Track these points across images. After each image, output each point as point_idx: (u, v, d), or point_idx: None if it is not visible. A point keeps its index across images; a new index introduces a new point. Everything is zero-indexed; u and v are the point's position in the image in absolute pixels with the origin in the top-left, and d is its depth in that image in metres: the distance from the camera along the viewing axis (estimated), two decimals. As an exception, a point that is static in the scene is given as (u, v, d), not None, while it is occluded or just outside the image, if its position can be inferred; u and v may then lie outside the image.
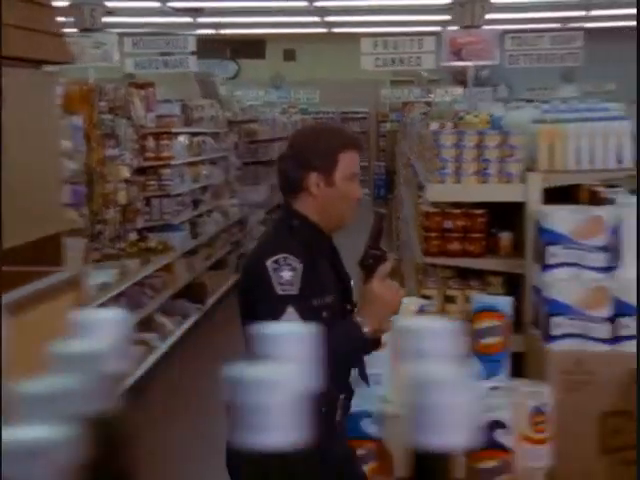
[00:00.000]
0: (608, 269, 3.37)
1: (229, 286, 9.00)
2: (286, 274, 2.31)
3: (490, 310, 3.23)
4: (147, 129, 7.35)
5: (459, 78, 23.04)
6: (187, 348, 7.53)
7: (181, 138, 8.10)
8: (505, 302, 3.29)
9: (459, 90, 19.02)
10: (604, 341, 3.28)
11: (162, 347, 7.08)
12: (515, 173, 3.70)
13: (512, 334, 3.35)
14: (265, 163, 11.71)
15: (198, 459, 5.24)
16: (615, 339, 3.28)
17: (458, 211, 3.77)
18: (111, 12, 12.76)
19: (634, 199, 3.48)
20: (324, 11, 16.29)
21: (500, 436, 2.87)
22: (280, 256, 2.33)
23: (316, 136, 2.53)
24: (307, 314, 2.27)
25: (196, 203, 8.47)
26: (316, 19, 17.42)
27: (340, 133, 2.59)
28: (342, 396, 2.53)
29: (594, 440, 3.29)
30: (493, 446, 2.86)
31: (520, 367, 3.49)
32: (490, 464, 2.86)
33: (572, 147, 3.71)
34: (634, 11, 18.09)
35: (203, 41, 20.77)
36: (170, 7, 16.56)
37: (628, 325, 3.26)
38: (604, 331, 3.27)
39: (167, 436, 5.63)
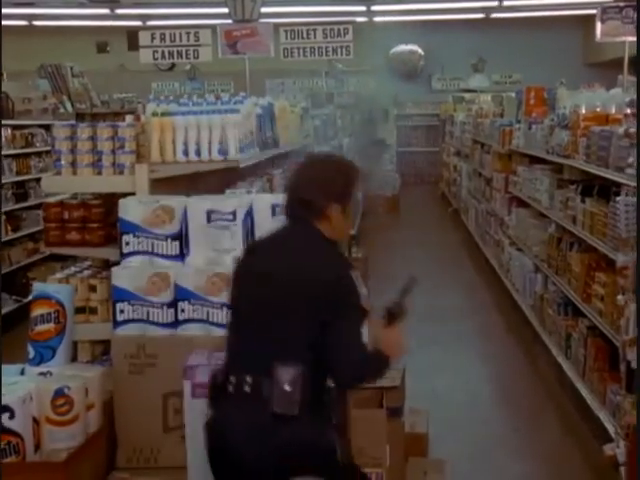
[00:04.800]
0: (178, 257, 3.50)
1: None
2: (363, 290, 2.72)
3: (45, 298, 3.35)
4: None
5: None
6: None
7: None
8: (64, 290, 3.41)
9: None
10: (165, 325, 3.41)
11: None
12: (127, 164, 3.80)
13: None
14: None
15: None
16: (175, 323, 3.41)
17: (75, 202, 3.88)
18: None
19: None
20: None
21: (7, 421, 2.98)
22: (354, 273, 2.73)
23: (338, 170, 2.87)
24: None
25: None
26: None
27: (353, 168, 2.93)
28: None
29: (159, 419, 3.42)
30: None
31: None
32: (-2, 447, 2.97)
33: (180, 139, 3.82)
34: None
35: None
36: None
37: (185, 309, 3.40)
38: (165, 315, 3.41)
39: None
